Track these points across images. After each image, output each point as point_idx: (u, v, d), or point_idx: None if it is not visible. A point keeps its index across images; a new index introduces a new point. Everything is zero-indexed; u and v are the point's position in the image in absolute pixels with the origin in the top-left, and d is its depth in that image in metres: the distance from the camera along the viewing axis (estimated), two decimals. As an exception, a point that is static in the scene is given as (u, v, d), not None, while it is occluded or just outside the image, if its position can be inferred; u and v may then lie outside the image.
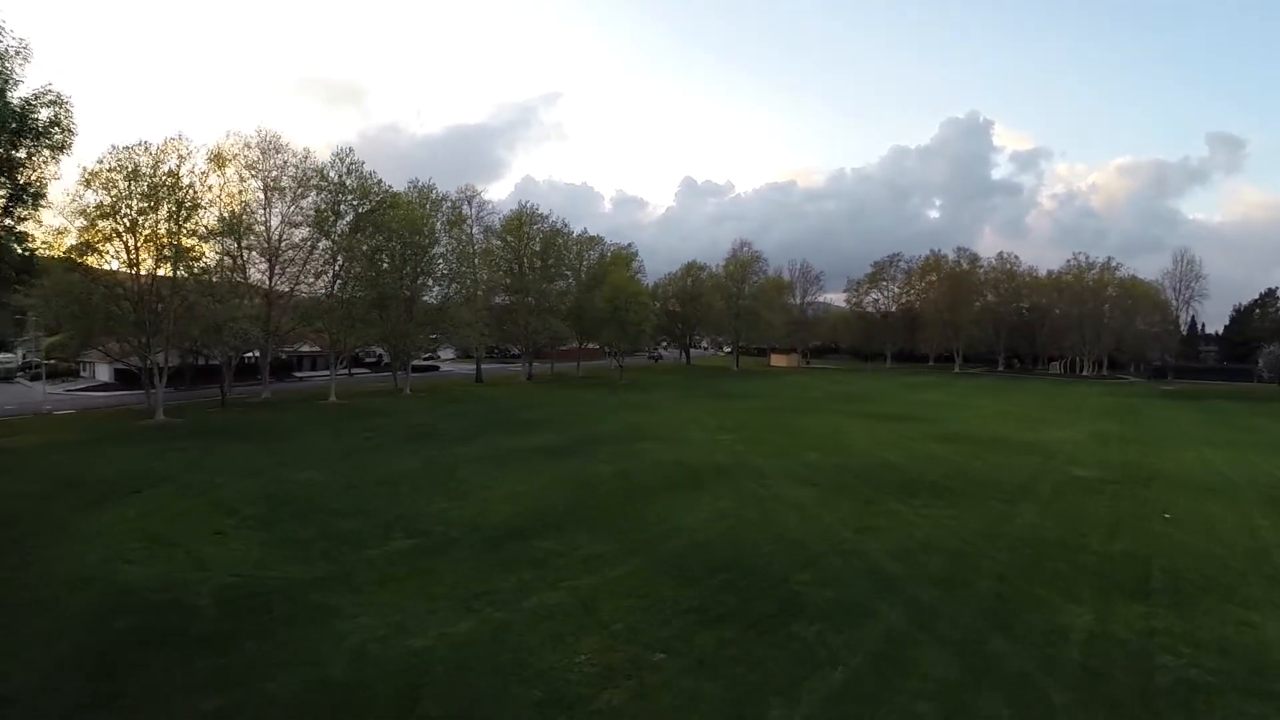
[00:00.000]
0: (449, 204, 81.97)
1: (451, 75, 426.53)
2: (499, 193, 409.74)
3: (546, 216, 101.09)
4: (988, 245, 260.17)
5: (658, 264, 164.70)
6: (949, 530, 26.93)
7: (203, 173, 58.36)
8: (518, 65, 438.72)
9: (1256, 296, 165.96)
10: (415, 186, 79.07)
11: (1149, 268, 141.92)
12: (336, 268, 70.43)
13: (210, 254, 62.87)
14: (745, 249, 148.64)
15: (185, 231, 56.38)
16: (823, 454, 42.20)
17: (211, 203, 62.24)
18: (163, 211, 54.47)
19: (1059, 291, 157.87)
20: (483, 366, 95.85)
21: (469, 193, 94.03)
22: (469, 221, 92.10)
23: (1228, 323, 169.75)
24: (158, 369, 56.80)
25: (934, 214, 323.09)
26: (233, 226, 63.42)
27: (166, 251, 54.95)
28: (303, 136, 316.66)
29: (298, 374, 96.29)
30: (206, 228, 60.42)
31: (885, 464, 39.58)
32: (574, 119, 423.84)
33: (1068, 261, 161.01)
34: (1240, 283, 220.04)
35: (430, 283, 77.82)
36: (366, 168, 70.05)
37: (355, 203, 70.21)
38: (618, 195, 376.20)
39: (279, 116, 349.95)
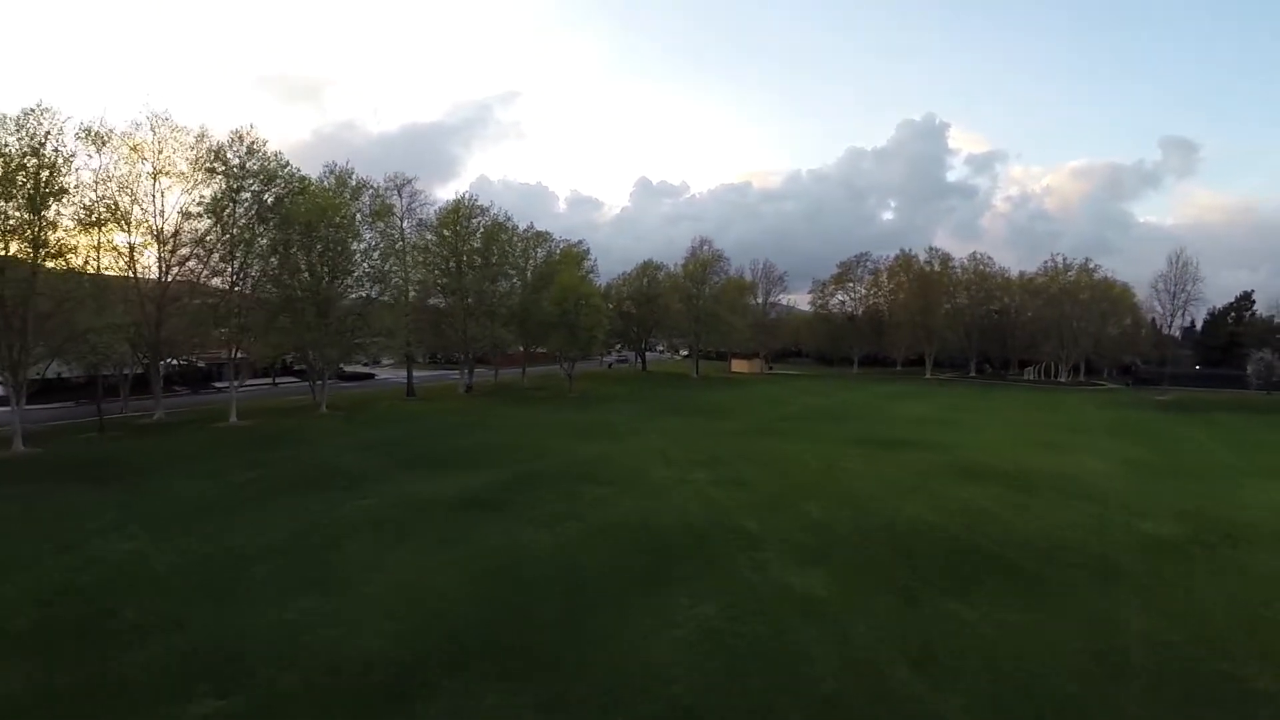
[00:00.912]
0: (372, 193, 71.04)
1: (409, 73, 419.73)
2: (454, 192, 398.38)
3: (487, 209, 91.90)
4: (943, 247, 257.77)
5: (612, 264, 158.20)
6: (1044, 653, 18.36)
7: (70, 153, 48.81)
8: (476, 63, 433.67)
9: (1232, 300, 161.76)
10: (331, 171, 68.93)
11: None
12: (235, 265, 60.49)
13: (86, 248, 53.73)
14: (706, 247, 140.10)
15: (44, 221, 47.11)
16: (825, 504, 33.29)
17: (88, 187, 52.96)
18: (19, 197, 45.22)
19: (1033, 294, 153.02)
20: (420, 375, 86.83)
21: (398, 181, 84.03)
22: (399, 214, 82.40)
23: (1190, 325, 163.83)
24: (14, 386, 47.31)
25: (889, 215, 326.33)
26: (103, 217, 53.45)
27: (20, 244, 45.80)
28: (260, 134, 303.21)
29: (218, 384, 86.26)
30: (75, 218, 51.21)
31: (912, 522, 30.66)
32: (530, 118, 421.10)
33: (1043, 263, 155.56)
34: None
35: (350, 283, 68.05)
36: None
37: (258, 189, 60.23)
38: (573, 195, 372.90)
39: (235, 114, 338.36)
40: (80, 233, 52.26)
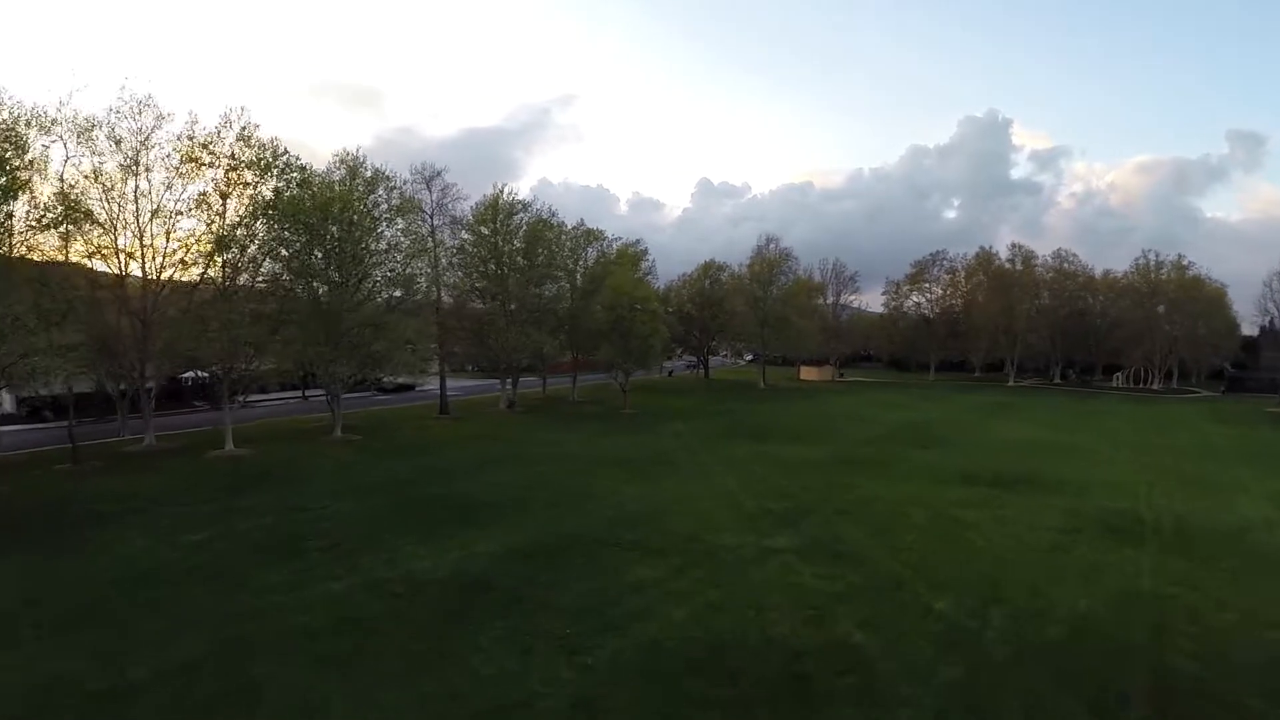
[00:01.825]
0: (391, 186, 61.39)
1: (467, 77, 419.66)
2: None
3: (530, 204, 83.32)
4: (1007, 245, 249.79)
5: (674, 266, 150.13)
6: None
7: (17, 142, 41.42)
8: (533, 67, 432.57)
9: None
10: (342, 161, 59.48)
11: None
12: (222, 268, 52.49)
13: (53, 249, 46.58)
14: (772, 246, 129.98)
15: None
16: (958, 595, 23.79)
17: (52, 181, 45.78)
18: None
19: (1122, 293, 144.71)
20: (464, 386, 78.76)
21: (426, 173, 75.53)
22: (428, 209, 74.22)
23: (1269, 325, 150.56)
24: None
25: (952, 214, 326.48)
26: (66, 217, 45.64)
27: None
28: (319, 141, 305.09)
29: (242, 398, 78.52)
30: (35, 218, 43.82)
31: (1084, 625, 21.45)
32: (589, 121, 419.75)
33: (1135, 260, 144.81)
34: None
35: (367, 288, 59.72)
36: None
37: (253, 180, 51.92)
38: (634, 197, 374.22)
39: (294, 121, 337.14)
40: (39, 234, 44.68)
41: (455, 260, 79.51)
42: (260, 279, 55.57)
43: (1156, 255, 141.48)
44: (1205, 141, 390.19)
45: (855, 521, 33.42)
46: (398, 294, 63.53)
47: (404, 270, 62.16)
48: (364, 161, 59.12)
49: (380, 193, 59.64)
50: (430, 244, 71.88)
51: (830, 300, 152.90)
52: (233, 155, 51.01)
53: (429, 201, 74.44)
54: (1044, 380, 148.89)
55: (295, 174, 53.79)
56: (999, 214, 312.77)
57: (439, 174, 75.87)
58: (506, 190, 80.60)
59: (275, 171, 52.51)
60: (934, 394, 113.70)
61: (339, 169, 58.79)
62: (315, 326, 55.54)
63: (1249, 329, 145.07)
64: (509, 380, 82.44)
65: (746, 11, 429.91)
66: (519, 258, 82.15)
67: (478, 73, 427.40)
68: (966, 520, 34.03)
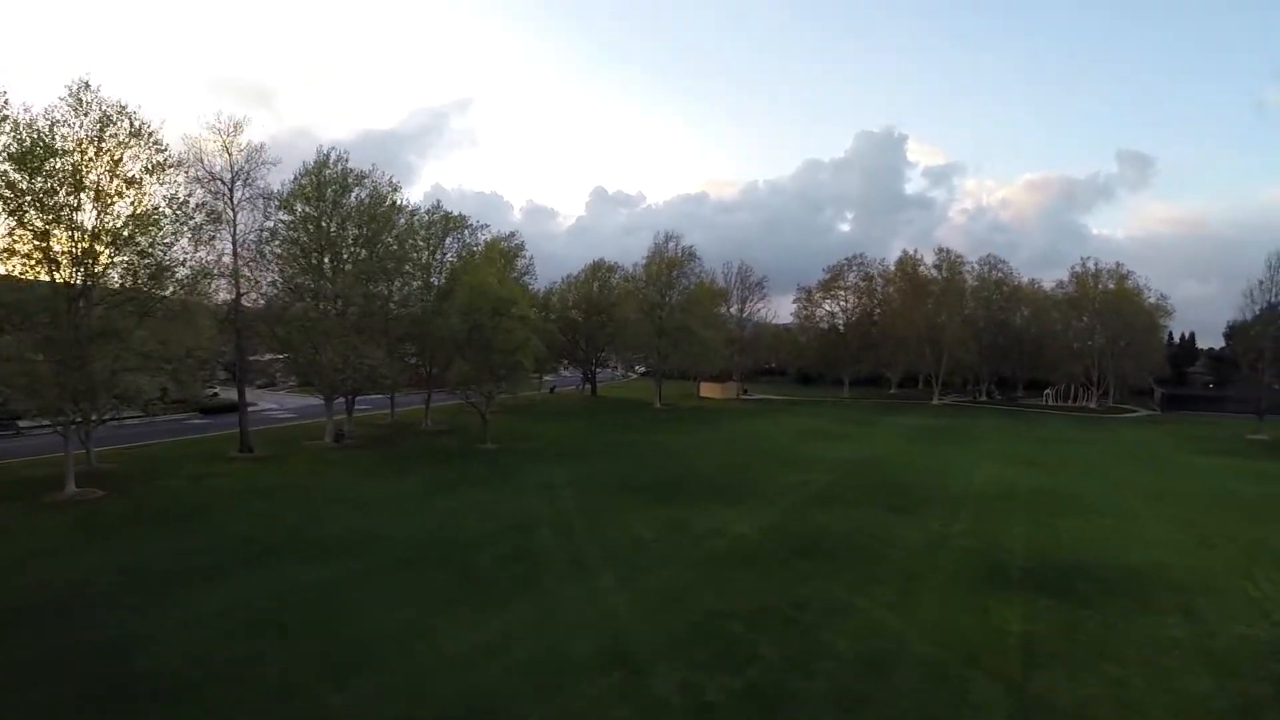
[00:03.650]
0: (147, 134, 43.16)
1: (364, 79, 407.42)
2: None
3: (366, 175, 65.94)
4: (900, 258, 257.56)
5: (569, 274, 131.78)
6: None
7: None
8: (431, 70, 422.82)
9: (1258, 311, 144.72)
10: (72, 92, 41.38)
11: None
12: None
13: None
14: (672, 245, 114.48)
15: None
16: None
17: None
18: None
19: (1057, 305, 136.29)
20: (301, 405, 61.47)
21: (223, 126, 55.90)
22: (225, 176, 56.04)
23: (1184, 340, 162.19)
24: None
25: (845, 227, 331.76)
26: None
27: None
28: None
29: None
30: None
31: None
32: (485, 126, 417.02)
33: (1071, 269, 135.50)
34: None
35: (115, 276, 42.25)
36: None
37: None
38: (528, 205, 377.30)
39: (189, 118, 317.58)
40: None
41: (270, 248, 61.54)
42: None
43: (1096, 263, 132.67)
44: (1096, 161, 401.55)
45: None
46: (151, 283, 45.24)
47: (160, 251, 44.28)
48: (96, 91, 41.36)
49: (127, 139, 42.03)
50: (230, 221, 54.74)
51: (734, 308, 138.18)
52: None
53: (226, 167, 56.19)
54: (966, 397, 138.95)
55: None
56: (892, 228, 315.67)
57: (238, 125, 56.76)
58: (335, 157, 63.75)
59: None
60: (857, 415, 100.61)
61: (65, 108, 40.93)
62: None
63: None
64: (349, 403, 65.64)
65: (644, 21, 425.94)
66: (358, 248, 65.69)
67: (375, 74, 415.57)
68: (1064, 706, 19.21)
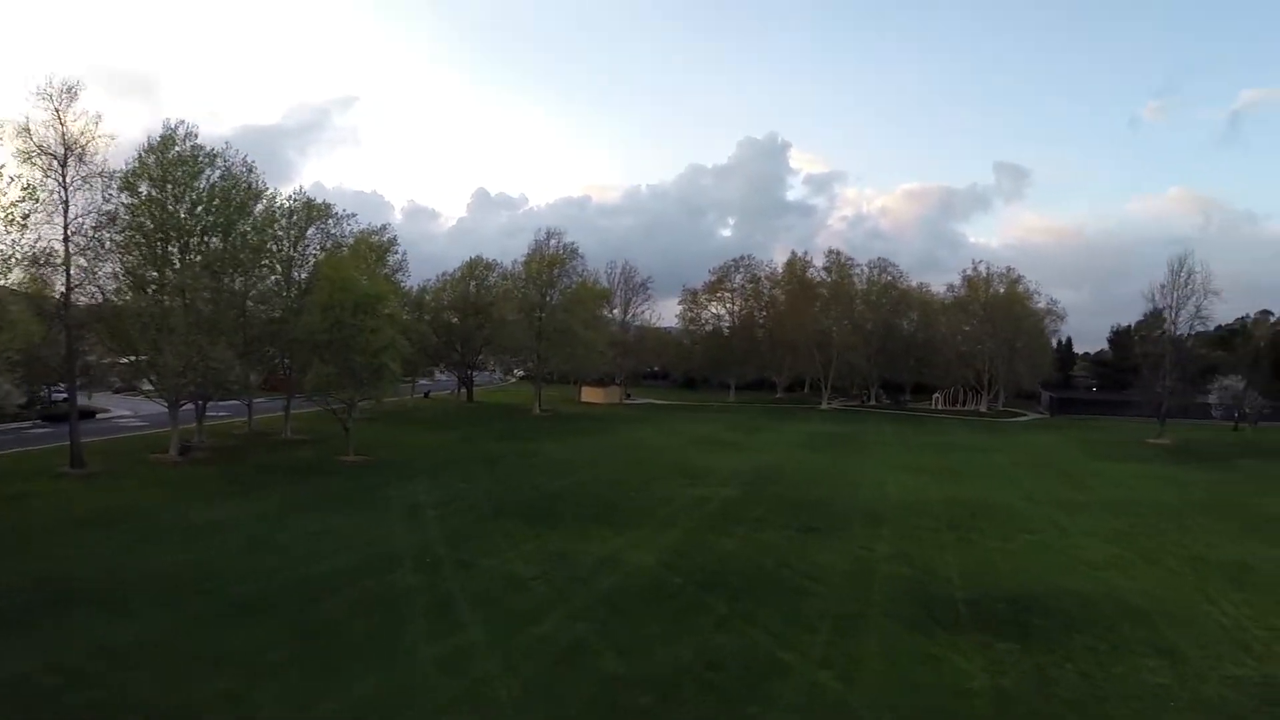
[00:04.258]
0: None
1: (246, 72, 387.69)
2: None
3: (218, 156, 59.06)
4: (779, 264, 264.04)
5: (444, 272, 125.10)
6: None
7: None
8: (315, 65, 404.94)
9: (1142, 316, 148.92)
10: None
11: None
12: None
13: None
14: (554, 242, 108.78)
15: None
16: None
17: None
18: None
19: (947, 309, 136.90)
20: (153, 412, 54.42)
21: (54, 92, 47.85)
22: (57, 153, 48.61)
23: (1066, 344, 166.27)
24: None
25: (727, 232, 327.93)
26: None
27: None
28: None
29: None
30: None
31: None
32: (368, 124, 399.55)
33: (962, 273, 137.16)
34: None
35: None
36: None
37: None
38: (409, 205, 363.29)
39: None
40: None
41: (109, 234, 54.20)
42: None
43: (988, 267, 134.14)
44: (974, 172, 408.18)
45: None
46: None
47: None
48: None
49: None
50: (62, 203, 47.99)
51: (618, 310, 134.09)
52: None
53: (59, 140, 49.05)
54: (854, 402, 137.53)
55: None
56: (773, 233, 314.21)
57: (71, 92, 49.61)
58: (185, 133, 56.89)
59: None
60: (747, 421, 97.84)
61: None
62: None
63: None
64: (199, 411, 59.17)
65: (530, 22, 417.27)
66: (211, 236, 59.13)
67: (257, 68, 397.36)
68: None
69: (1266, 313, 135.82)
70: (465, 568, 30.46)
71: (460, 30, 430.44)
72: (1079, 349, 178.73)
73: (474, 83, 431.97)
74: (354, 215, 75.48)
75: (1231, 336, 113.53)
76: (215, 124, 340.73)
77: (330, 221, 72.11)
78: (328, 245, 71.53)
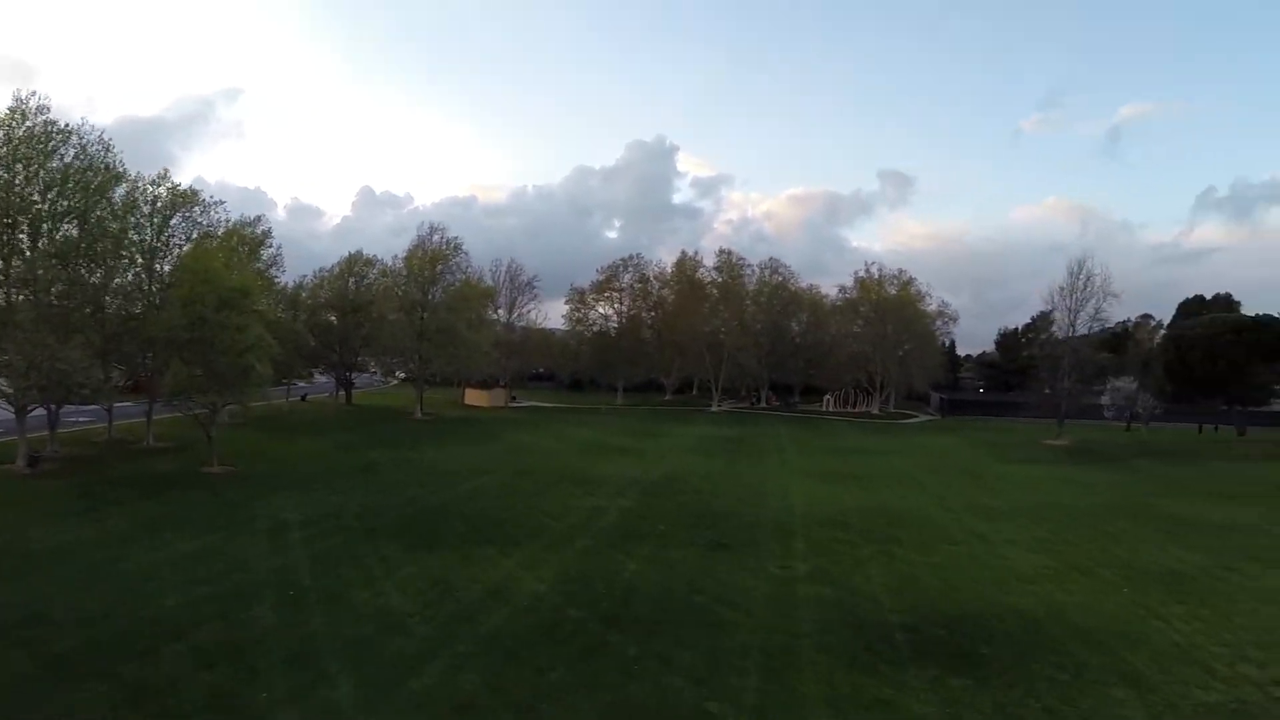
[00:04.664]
0: None
1: (128, 60, 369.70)
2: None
3: (72, 133, 53.45)
4: (669, 264, 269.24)
5: (321, 268, 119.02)
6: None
7: None
8: (200, 53, 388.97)
9: (1030, 319, 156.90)
10: None
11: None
12: None
13: None
14: (436, 237, 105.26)
15: None
16: None
17: None
18: None
19: (839, 311, 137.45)
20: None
21: None
22: None
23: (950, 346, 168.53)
24: None
25: (613, 234, 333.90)
26: None
27: None
28: None
29: None
30: None
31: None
32: (253, 118, 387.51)
33: (854, 274, 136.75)
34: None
35: None
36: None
37: None
38: (293, 203, 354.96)
39: None
40: None
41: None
42: None
43: (880, 268, 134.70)
44: (859, 178, 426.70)
45: None
46: None
47: None
48: None
49: None
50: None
51: (503, 310, 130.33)
52: None
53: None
54: (744, 404, 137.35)
55: None
56: (659, 236, 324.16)
57: None
58: (34, 100, 51.46)
59: None
60: (637, 425, 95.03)
61: None
62: None
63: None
64: (51, 417, 53.61)
65: (418, 19, 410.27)
66: (65, 223, 53.92)
67: (140, 55, 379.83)
68: None
69: (1147, 316, 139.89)
70: (333, 601, 26.00)
71: (347, 24, 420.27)
72: (961, 351, 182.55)
73: (359, 78, 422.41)
74: (223, 203, 69.65)
75: (1116, 339, 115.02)
76: (92, 113, 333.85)
77: (197, 209, 66.20)
78: (194, 235, 65.79)
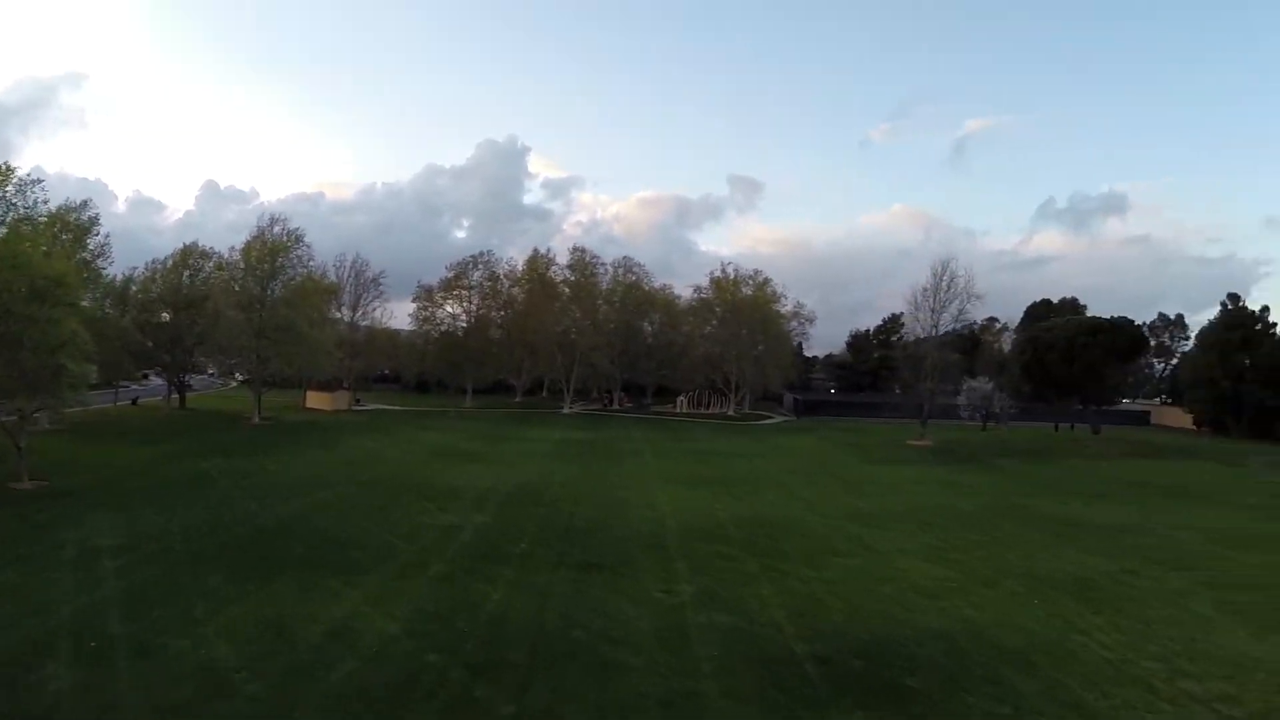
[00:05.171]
0: None
1: None
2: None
3: None
4: (516, 264, 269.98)
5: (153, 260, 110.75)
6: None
7: None
8: (42, 35, 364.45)
9: (881, 321, 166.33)
10: None
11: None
12: None
13: None
14: (277, 228, 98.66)
15: None
16: None
17: None
18: None
19: (694, 311, 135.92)
20: None
21: None
22: None
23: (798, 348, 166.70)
24: None
25: (462, 234, 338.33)
26: None
27: None
28: None
29: None
30: None
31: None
32: (97, 106, 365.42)
33: (710, 274, 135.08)
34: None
35: None
36: None
37: None
38: (135, 196, 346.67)
39: None
40: None
41: None
42: None
43: (736, 269, 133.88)
44: (708, 183, 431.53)
45: None
46: None
47: None
48: None
49: None
50: None
51: (347, 310, 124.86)
52: None
53: None
54: (596, 405, 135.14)
55: None
56: (509, 236, 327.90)
57: None
58: None
59: None
60: (488, 429, 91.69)
61: None
62: None
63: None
64: None
65: (264, 11, 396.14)
66: None
67: None
68: None
69: (993, 319, 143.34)
70: (144, 655, 21.08)
71: (193, 14, 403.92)
72: (810, 353, 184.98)
73: (204, 69, 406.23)
74: (40, 181, 62.94)
75: (964, 340, 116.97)
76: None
77: (10, 189, 59.83)
78: (8, 218, 59.42)
